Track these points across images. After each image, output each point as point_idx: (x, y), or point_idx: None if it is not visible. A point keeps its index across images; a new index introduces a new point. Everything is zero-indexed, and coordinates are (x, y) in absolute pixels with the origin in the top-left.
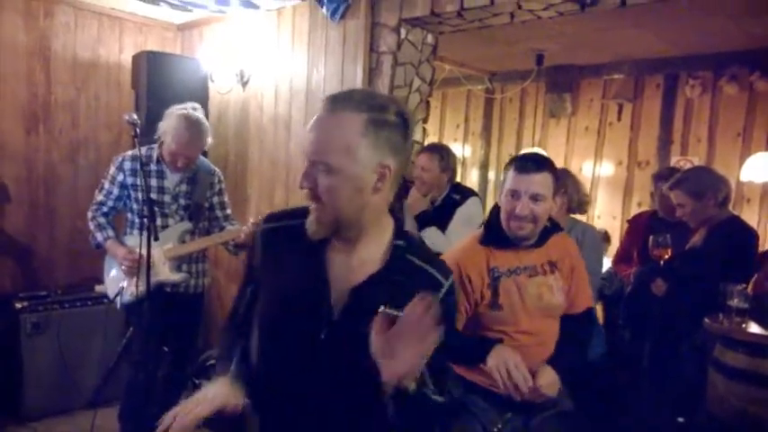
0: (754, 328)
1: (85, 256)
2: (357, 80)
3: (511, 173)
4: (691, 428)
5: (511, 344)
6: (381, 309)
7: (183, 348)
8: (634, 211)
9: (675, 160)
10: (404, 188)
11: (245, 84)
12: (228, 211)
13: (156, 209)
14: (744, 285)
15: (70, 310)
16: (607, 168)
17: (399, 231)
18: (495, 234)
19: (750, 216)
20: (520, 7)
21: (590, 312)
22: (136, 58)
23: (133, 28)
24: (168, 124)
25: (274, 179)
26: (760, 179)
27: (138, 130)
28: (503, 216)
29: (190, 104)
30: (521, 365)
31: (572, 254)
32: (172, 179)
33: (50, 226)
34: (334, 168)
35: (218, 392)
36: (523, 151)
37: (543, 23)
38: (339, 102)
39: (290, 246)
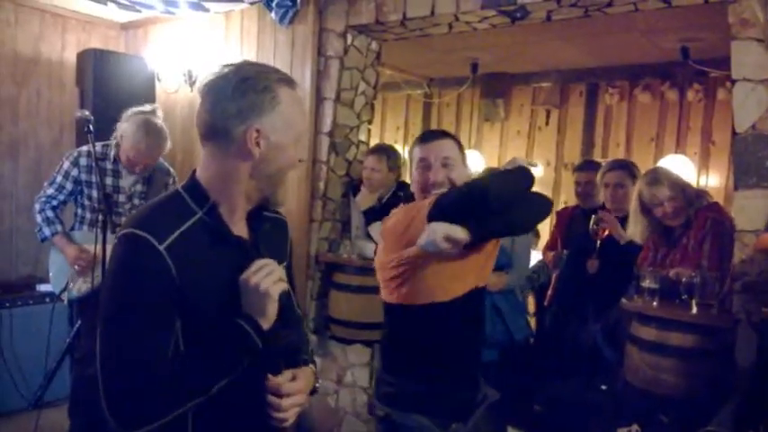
0: (662, 305)
1: (25, 255)
2: (306, 83)
3: (416, 147)
4: (612, 395)
5: None
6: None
7: None
8: (560, 208)
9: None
10: (353, 185)
11: (192, 83)
12: None
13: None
14: (655, 268)
15: (11, 310)
16: (537, 169)
17: None
18: None
19: None
20: (457, 19)
21: None
22: (81, 56)
23: (76, 25)
24: (128, 128)
25: None
26: None
27: (91, 127)
28: (416, 189)
29: (149, 107)
30: None
31: None
32: (127, 179)
33: None
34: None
35: None
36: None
37: (478, 35)
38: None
39: (200, 245)
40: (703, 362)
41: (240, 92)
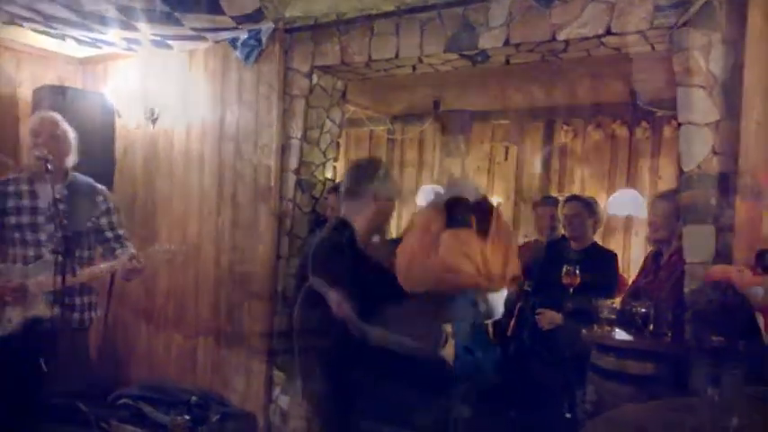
0: (620, 335)
1: None
2: (272, 120)
3: None
4: (574, 423)
5: None
6: None
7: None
8: (521, 242)
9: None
10: (319, 222)
11: (154, 120)
12: (120, 232)
13: (29, 235)
14: (612, 301)
15: None
16: (497, 204)
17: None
18: None
19: (615, 245)
20: (421, 61)
21: None
22: (37, 92)
23: (31, 60)
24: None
25: (187, 213)
26: (623, 213)
27: (49, 166)
28: None
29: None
30: None
31: None
32: (44, 197)
33: None
34: None
35: None
36: (422, 187)
37: (440, 74)
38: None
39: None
40: (660, 389)
41: (368, 173)
